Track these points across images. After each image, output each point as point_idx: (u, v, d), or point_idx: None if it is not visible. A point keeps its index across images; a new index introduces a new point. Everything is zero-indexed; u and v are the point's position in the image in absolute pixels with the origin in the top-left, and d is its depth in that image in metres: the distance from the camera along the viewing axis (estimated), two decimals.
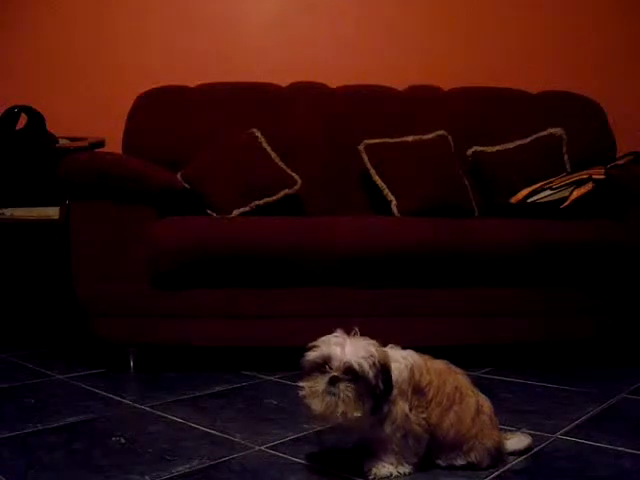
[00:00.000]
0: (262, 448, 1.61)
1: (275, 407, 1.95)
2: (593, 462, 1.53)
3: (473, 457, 1.46)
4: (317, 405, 1.36)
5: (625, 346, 2.58)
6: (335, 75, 3.16)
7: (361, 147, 2.84)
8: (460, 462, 1.47)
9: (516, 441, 1.57)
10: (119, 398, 2.03)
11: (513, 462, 1.52)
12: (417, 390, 1.42)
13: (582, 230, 2.43)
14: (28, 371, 2.35)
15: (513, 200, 2.64)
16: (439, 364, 1.50)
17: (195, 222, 2.41)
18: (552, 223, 2.45)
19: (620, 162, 2.78)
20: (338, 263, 2.33)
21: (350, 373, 1.33)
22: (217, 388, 2.15)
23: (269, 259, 2.30)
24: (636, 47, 3.52)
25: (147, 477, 1.42)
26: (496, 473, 1.46)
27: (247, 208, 2.62)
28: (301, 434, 1.71)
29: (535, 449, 1.59)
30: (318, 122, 3.00)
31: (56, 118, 3.07)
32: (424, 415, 1.42)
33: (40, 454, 1.55)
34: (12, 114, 2.95)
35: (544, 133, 2.93)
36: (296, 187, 2.73)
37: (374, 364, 1.34)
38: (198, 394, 2.08)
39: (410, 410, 1.40)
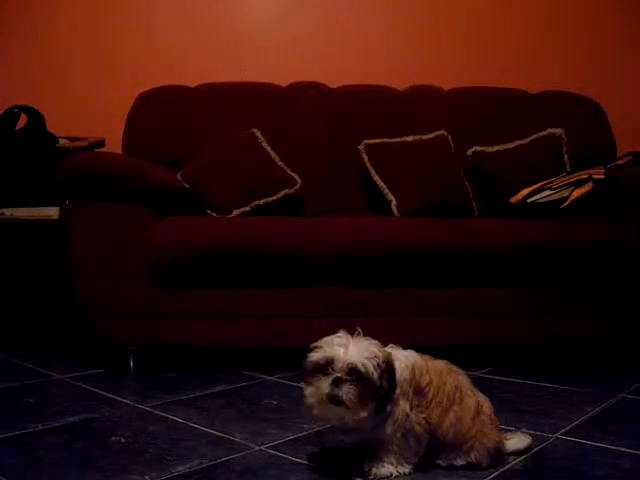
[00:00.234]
0: (262, 448, 1.61)
1: (275, 407, 1.95)
2: (593, 462, 1.52)
3: (473, 457, 1.46)
4: (321, 411, 1.36)
5: (625, 346, 2.58)
6: (335, 75, 3.16)
7: (361, 147, 2.84)
8: (460, 462, 1.46)
9: (516, 441, 1.57)
10: (119, 398, 2.03)
11: (513, 462, 1.52)
12: (418, 390, 1.42)
13: (582, 230, 2.43)
14: (28, 371, 2.35)
15: (513, 200, 2.64)
16: (439, 364, 1.50)
17: (195, 222, 2.42)
18: (552, 223, 2.45)
19: (620, 162, 2.78)
20: (338, 263, 2.33)
21: (354, 374, 1.33)
22: (217, 388, 2.15)
23: (269, 259, 2.30)
24: (636, 47, 3.52)
25: (147, 477, 1.42)
26: (496, 473, 1.46)
27: (247, 208, 2.62)
28: (301, 434, 1.71)
29: (535, 449, 1.59)
30: (318, 122, 3.00)
31: (56, 118, 3.06)
32: (424, 415, 1.42)
33: (40, 454, 1.54)
34: (12, 114, 2.94)
35: (544, 133, 2.93)
36: (296, 187, 2.73)
37: (378, 365, 1.34)
38: (198, 394, 2.08)
39: (411, 410, 1.40)
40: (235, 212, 2.60)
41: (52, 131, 3.02)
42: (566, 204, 2.51)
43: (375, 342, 1.40)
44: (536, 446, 1.61)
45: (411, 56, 3.46)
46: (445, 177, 2.78)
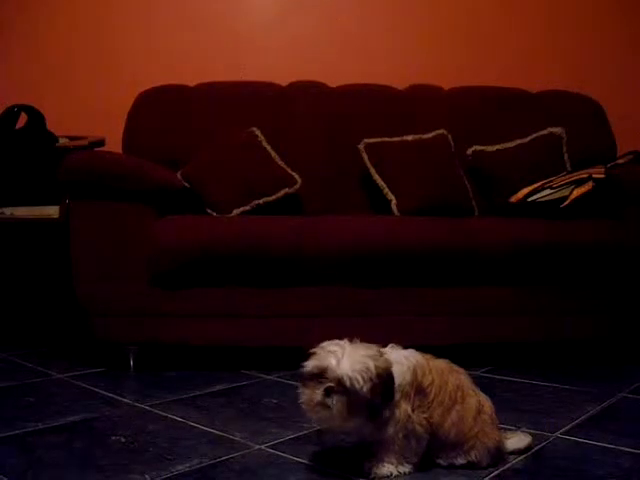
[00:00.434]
0: (262, 447, 1.61)
1: (275, 406, 1.95)
2: (593, 461, 1.52)
3: (473, 456, 1.46)
4: (313, 415, 1.38)
5: (625, 345, 2.58)
6: (335, 75, 3.16)
7: (361, 146, 2.84)
8: (460, 461, 1.46)
9: (516, 440, 1.57)
10: (119, 397, 2.03)
11: (513, 461, 1.52)
12: (419, 390, 1.42)
13: (582, 230, 2.43)
14: (28, 370, 2.35)
15: (513, 199, 2.63)
16: (441, 363, 1.50)
17: (195, 221, 2.41)
18: (552, 223, 2.45)
19: (620, 161, 2.78)
20: (338, 262, 2.33)
21: (343, 386, 1.33)
22: (217, 387, 2.15)
23: (269, 258, 2.30)
24: (636, 47, 3.53)
25: (147, 476, 1.42)
26: (496, 472, 1.46)
27: (247, 207, 2.62)
28: (301, 433, 1.71)
29: (535, 448, 1.59)
30: (318, 121, 3.00)
31: (56, 117, 3.06)
32: (426, 415, 1.42)
33: (40, 453, 1.54)
34: (12, 113, 2.94)
35: (544, 132, 2.93)
36: (296, 186, 2.73)
37: (370, 378, 1.33)
38: (198, 393, 2.08)
39: (412, 410, 1.40)
40: (235, 211, 2.60)
41: (52, 130, 3.02)
42: (566, 203, 2.51)
43: (373, 351, 1.38)
44: (536, 445, 1.61)
45: (411, 56, 3.46)
46: (445, 176, 2.78)
